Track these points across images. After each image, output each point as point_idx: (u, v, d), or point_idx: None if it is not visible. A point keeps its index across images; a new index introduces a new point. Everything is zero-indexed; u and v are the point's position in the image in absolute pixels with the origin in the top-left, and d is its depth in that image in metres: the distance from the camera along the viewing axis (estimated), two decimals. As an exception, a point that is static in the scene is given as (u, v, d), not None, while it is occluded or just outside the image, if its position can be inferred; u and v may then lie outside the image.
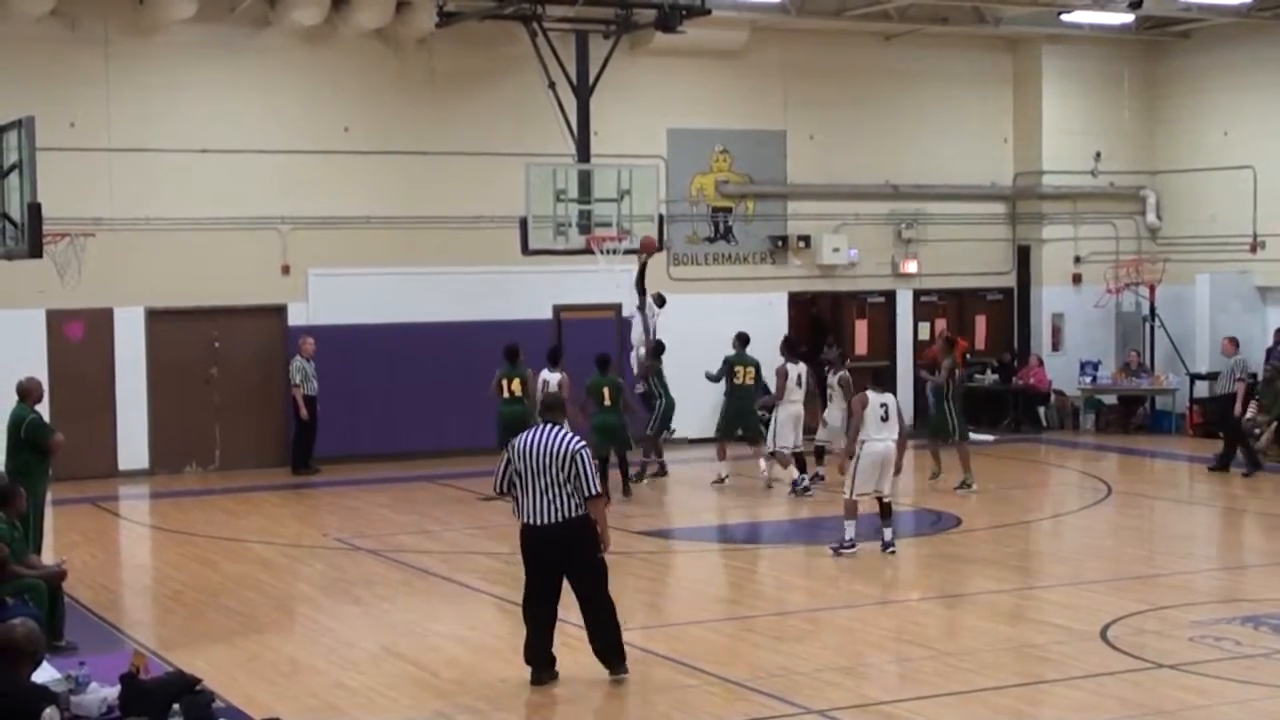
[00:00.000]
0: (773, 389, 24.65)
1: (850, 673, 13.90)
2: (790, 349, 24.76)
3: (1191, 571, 18.67)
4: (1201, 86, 32.04)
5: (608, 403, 23.49)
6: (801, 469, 23.95)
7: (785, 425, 23.84)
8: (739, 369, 24.81)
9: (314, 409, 26.24)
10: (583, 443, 13.34)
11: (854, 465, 19.02)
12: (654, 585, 18.77)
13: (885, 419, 19.06)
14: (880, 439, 18.95)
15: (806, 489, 23.68)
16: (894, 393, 21.91)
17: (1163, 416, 31.59)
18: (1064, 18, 28.75)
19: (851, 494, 19.02)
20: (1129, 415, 31.52)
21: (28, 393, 17.69)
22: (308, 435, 26.39)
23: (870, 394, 19.14)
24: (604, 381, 23.68)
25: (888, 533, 19.16)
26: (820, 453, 24.74)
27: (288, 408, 26.22)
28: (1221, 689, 13.25)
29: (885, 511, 19.26)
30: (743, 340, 25.23)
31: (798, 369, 24.13)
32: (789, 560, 20.75)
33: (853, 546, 18.95)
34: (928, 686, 13.46)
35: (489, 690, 13.49)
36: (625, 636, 14.51)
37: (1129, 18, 28.54)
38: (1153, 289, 31.93)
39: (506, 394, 23.87)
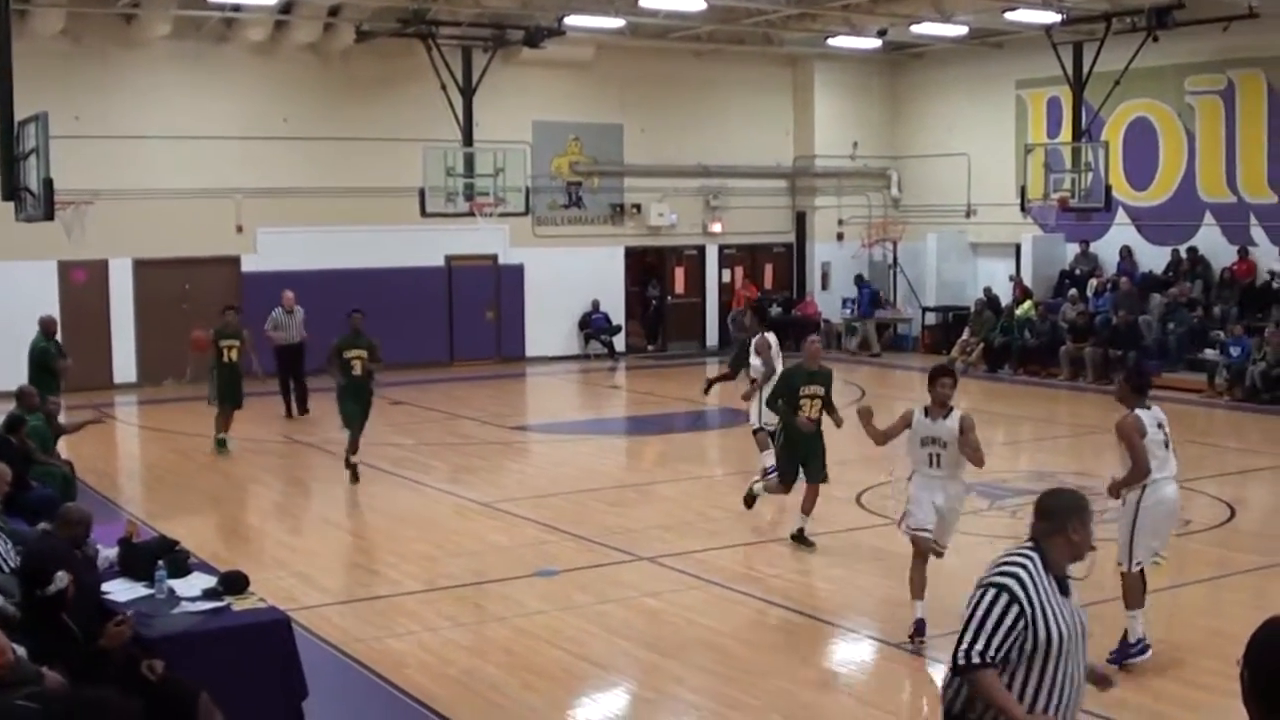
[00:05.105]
0: (754, 365, 15.94)
1: (671, 530, 14.10)
2: (763, 316, 17.34)
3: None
4: (931, 94, 32.41)
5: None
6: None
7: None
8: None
9: (294, 356, 22.19)
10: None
11: (1133, 522, 9.49)
12: (523, 467, 18.86)
13: (1167, 445, 9.58)
14: (1165, 476, 9.54)
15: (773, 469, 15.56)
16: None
17: (903, 338, 32.11)
18: (829, 41, 28.93)
19: (1130, 564, 9.55)
20: (878, 337, 31.97)
21: (45, 327, 18.26)
22: (287, 381, 22.20)
23: (1143, 413, 9.48)
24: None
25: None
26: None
27: (256, 342, 20.56)
28: (942, 539, 13.61)
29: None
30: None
31: (774, 337, 16.07)
32: (622, 447, 20.95)
33: (1142, 651, 9.55)
34: (728, 539, 13.71)
35: (399, 548, 13.56)
36: (494, 505, 14.53)
37: (877, 42, 28.79)
38: (895, 244, 32.40)
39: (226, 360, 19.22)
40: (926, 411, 10.60)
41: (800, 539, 13.29)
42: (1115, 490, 9.64)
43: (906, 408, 10.77)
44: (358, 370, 16.46)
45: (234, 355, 19.07)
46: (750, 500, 14.29)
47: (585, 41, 28.50)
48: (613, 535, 13.75)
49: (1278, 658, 3.70)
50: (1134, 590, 9.59)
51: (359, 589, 12.09)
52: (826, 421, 13.37)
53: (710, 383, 19.35)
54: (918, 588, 10.42)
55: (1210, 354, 24.39)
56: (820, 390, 13.30)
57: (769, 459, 15.71)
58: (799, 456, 13.36)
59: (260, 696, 7.97)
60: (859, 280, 32.20)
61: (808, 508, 13.32)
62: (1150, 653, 9.54)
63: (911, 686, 9.75)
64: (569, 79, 29.67)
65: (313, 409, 21.71)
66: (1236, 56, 25.83)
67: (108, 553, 9.25)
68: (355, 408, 16.60)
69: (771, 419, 15.29)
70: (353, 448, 16.56)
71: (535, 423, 22.88)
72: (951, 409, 10.54)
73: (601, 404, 25.43)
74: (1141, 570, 9.60)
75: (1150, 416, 9.55)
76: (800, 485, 13.41)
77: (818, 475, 13.36)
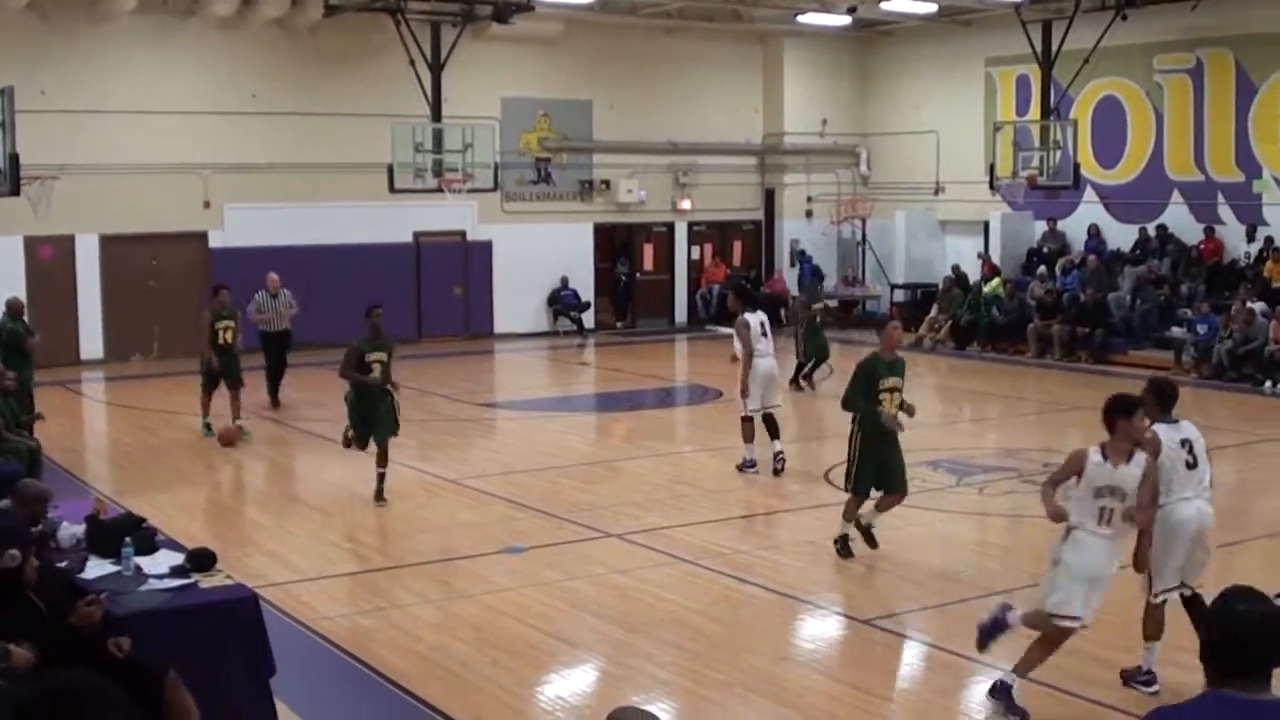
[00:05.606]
0: (736, 348, 15.74)
1: (640, 506, 14.12)
2: (745, 297, 16.62)
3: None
4: (900, 71, 32.43)
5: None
6: (774, 435, 15.53)
7: (755, 385, 15.19)
8: None
9: (278, 343, 20.94)
10: None
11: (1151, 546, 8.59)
12: (491, 443, 18.85)
13: (1193, 465, 8.84)
14: (1184, 498, 8.75)
15: (750, 465, 15.59)
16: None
17: (872, 315, 32.12)
18: (799, 18, 28.96)
19: (1152, 593, 8.73)
20: (846, 314, 32.03)
21: (12, 308, 18.13)
22: (271, 368, 21.07)
23: (1163, 429, 8.71)
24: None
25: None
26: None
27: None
28: (913, 514, 13.64)
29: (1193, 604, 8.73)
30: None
31: (759, 317, 15.39)
32: (591, 424, 20.94)
33: (1147, 684, 8.63)
34: (696, 515, 13.70)
35: (368, 525, 13.54)
36: (463, 481, 14.49)
37: (847, 20, 28.82)
38: (864, 221, 32.45)
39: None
40: (1104, 453, 8.21)
41: (867, 534, 12.02)
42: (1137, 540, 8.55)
43: (1077, 448, 8.48)
44: (377, 375, 14.31)
45: (229, 337, 18.11)
46: (869, 534, 12.12)
47: (554, 17, 28.43)
48: (581, 512, 13.76)
49: (1226, 623, 3.90)
50: (1152, 621, 8.68)
51: (327, 566, 12.06)
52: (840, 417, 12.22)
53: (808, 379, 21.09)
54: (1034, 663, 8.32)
55: (1177, 332, 24.52)
56: (899, 382, 11.80)
57: (751, 452, 15.57)
58: (878, 460, 11.80)
59: (228, 674, 7.95)
60: (801, 255, 32.22)
61: (884, 507, 12.01)
62: (1155, 688, 8.53)
63: (879, 662, 9.79)
64: (538, 55, 29.57)
65: (284, 397, 20.98)
66: (1205, 35, 25.93)
67: (75, 530, 9.21)
68: (374, 416, 14.33)
69: (758, 405, 15.30)
70: (382, 458, 14.42)
71: (503, 399, 22.87)
72: (1135, 449, 8.27)
73: (570, 381, 25.42)
74: (1164, 603, 8.64)
75: (1172, 432, 8.60)
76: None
77: (898, 483, 11.94)
